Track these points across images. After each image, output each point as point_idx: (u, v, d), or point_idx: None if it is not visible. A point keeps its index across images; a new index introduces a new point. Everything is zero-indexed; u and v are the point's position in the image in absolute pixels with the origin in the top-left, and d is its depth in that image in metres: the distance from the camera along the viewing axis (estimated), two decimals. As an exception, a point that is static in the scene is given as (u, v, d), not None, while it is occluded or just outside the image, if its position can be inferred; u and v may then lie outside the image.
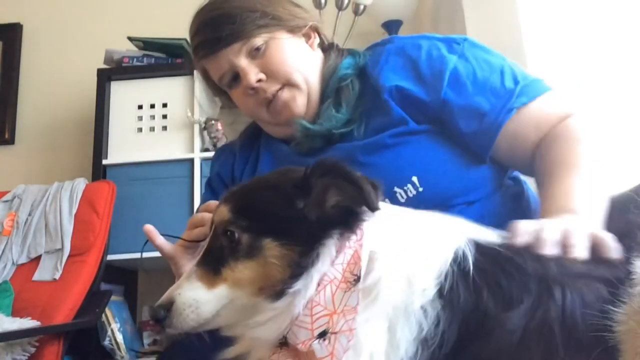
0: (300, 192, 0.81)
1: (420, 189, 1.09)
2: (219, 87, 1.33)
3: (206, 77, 1.35)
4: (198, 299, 0.79)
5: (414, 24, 3.25)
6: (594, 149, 1.07)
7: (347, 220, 0.79)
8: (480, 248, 0.77)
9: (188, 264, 1.10)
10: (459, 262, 0.75)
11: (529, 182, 1.28)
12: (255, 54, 1.23)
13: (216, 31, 1.22)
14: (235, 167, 1.37)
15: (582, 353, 0.65)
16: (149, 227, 1.13)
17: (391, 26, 3.02)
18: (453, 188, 1.10)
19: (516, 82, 1.14)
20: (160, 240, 1.14)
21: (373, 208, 0.78)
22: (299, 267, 0.75)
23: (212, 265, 0.81)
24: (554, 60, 2.01)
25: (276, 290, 0.76)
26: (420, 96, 1.16)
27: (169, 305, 0.79)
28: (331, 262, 0.76)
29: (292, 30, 1.27)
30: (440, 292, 0.73)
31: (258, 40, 1.22)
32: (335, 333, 0.71)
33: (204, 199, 1.37)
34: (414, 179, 1.10)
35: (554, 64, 1.98)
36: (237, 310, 0.80)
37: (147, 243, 1.14)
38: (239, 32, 1.21)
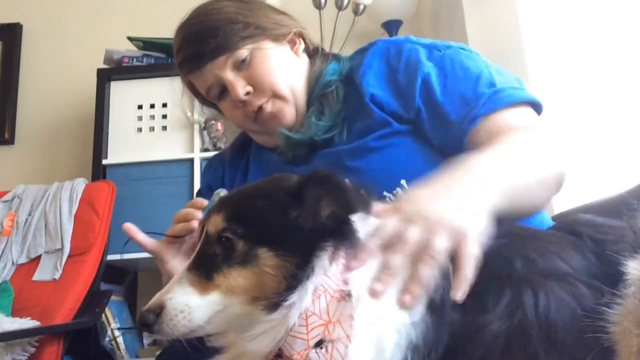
0: (293, 201, 0.80)
1: None
2: (208, 99, 1.34)
3: (194, 91, 1.36)
4: (190, 305, 0.77)
5: (414, 24, 3.25)
6: (543, 144, 1.02)
7: (340, 230, 0.78)
8: None
9: (173, 260, 1.10)
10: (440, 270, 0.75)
11: None
12: (240, 65, 1.22)
13: (200, 46, 1.22)
14: (226, 177, 1.38)
15: (563, 355, 0.65)
16: (128, 225, 1.13)
17: (391, 26, 3.02)
18: None
19: (491, 87, 1.08)
20: (141, 236, 1.14)
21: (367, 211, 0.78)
22: (294, 279, 0.74)
23: (204, 271, 0.79)
24: (553, 61, 2.01)
25: (271, 302, 0.75)
26: (395, 108, 1.15)
27: (159, 310, 0.77)
28: (324, 272, 0.75)
29: (277, 38, 1.27)
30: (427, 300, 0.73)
31: (243, 52, 1.22)
32: (333, 341, 0.70)
33: None
34: (403, 182, 1.09)
35: (554, 64, 1.98)
36: (229, 318, 0.78)
37: (130, 242, 1.14)
38: (223, 45, 1.21)
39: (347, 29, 2.97)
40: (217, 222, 0.81)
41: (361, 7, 2.94)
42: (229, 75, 1.22)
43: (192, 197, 2.79)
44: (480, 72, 1.12)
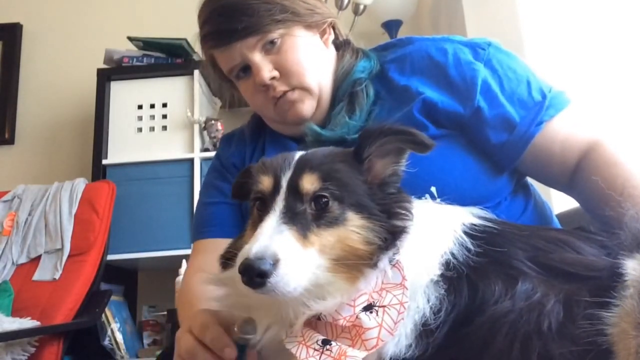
0: (359, 164, 0.83)
1: (437, 200, 1.03)
2: (225, 76, 1.29)
3: (213, 65, 1.30)
4: (302, 259, 0.72)
5: (413, 24, 3.25)
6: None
7: (403, 206, 0.81)
8: (474, 237, 0.81)
9: None
10: (458, 251, 0.78)
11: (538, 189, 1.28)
12: (269, 47, 1.18)
13: (231, 22, 1.16)
14: (246, 156, 1.33)
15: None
16: None
17: (391, 26, 3.03)
18: (469, 198, 1.03)
19: (543, 94, 1.12)
20: None
21: (428, 145, 0.81)
22: (380, 251, 0.75)
23: (299, 227, 0.75)
24: (553, 60, 2.01)
25: (359, 269, 0.74)
26: (452, 107, 1.12)
27: (274, 261, 0.69)
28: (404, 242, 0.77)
29: (309, 26, 1.22)
30: (443, 277, 0.76)
31: (274, 36, 1.17)
32: (384, 306, 0.72)
33: (212, 185, 1.33)
34: (433, 189, 1.06)
35: (554, 64, 1.98)
36: (317, 282, 0.74)
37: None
38: (256, 25, 1.16)
39: (347, 28, 2.97)
40: (313, 181, 0.78)
41: (361, 7, 2.94)
42: (257, 57, 1.18)
43: (192, 197, 2.80)
44: (527, 76, 1.15)
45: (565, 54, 2.00)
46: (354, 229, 0.76)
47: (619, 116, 1.78)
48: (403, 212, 0.79)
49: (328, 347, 0.71)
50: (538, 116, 1.09)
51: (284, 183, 0.79)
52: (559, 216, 1.30)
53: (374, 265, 0.74)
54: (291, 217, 0.75)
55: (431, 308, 0.73)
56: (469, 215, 0.87)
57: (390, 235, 0.76)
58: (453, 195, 0.98)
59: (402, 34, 3.01)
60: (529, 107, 1.10)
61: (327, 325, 0.74)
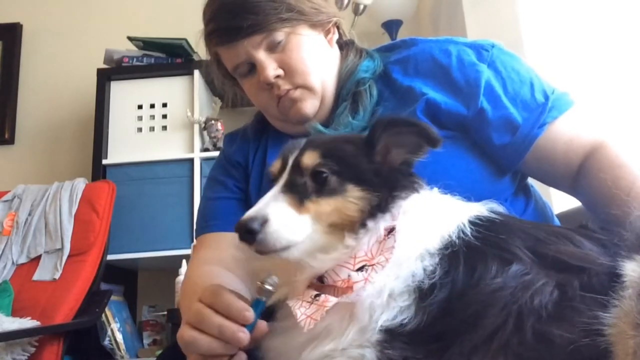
0: (369, 149, 0.89)
1: None
2: (229, 74, 1.29)
3: (217, 62, 1.31)
4: (292, 220, 0.80)
5: (413, 24, 3.25)
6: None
7: (410, 182, 0.88)
8: (476, 225, 0.84)
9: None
10: (458, 234, 0.82)
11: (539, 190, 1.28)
12: (274, 46, 1.19)
13: (237, 19, 1.17)
14: (250, 154, 1.34)
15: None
16: None
17: (391, 26, 3.03)
18: (471, 199, 1.03)
19: (546, 95, 1.12)
20: None
21: (436, 140, 0.85)
22: (371, 214, 0.81)
23: (296, 196, 0.83)
24: (553, 61, 2.01)
25: (351, 229, 0.81)
26: (455, 108, 1.13)
27: (263, 221, 0.78)
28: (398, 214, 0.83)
29: (314, 25, 1.24)
30: (440, 252, 0.80)
31: (279, 34, 1.18)
32: (373, 265, 0.78)
33: (216, 180, 1.33)
34: (435, 190, 1.04)
35: (554, 64, 1.98)
36: (312, 243, 0.81)
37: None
38: (262, 24, 1.17)
39: (347, 28, 2.96)
40: (314, 158, 0.86)
41: (361, 7, 2.94)
42: (262, 55, 1.19)
43: (192, 197, 2.80)
44: (531, 78, 1.15)
45: (565, 55, 2.00)
46: (352, 199, 0.83)
47: (619, 117, 1.78)
48: (407, 184, 0.86)
49: (317, 298, 0.79)
50: (541, 118, 1.09)
51: (290, 162, 0.88)
52: (560, 216, 1.30)
53: (362, 225, 0.80)
54: (291, 187, 0.84)
55: (424, 271, 0.77)
56: (478, 207, 0.90)
57: (383, 201, 0.82)
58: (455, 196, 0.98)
59: (402, 34, 3.02)
60: (531, 108, 1.11)
61: (329, 288, 0.80)
